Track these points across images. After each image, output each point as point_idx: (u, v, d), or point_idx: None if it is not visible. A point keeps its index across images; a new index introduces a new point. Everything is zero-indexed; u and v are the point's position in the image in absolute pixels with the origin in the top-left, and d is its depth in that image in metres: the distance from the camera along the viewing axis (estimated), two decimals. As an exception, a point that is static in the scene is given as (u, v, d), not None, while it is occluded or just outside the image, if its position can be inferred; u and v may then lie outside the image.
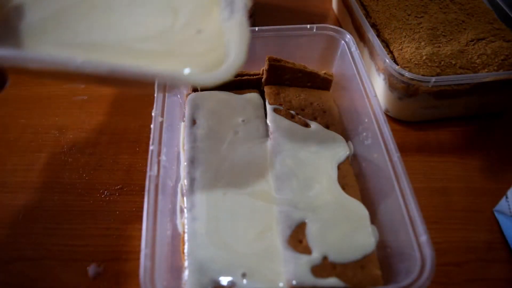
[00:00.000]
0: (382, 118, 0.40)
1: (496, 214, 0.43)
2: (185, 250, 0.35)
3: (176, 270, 0.35)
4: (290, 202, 0.38)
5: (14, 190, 0.47)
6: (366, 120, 0.42)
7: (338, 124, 0.46)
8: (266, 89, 0.48)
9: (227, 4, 0.34)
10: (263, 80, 0.48)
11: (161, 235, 0.34)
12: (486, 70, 0.48)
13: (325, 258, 0.34)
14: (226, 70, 0.31)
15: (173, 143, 0.44)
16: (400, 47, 0.50)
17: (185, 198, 0.39)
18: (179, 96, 0.49)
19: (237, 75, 0.48)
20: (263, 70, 0.48)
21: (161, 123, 0.40)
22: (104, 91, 0.57)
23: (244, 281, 0.33)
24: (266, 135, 0.44)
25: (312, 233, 0.36)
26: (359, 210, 0.38)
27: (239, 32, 0.32)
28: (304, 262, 0.34)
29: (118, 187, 0.46)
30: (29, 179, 0.47)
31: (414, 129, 0.52)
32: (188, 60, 0.33)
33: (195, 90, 0.49)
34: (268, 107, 0.46)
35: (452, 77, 0.47)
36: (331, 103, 0.48)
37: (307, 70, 0.48)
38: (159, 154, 0.38)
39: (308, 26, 0.49)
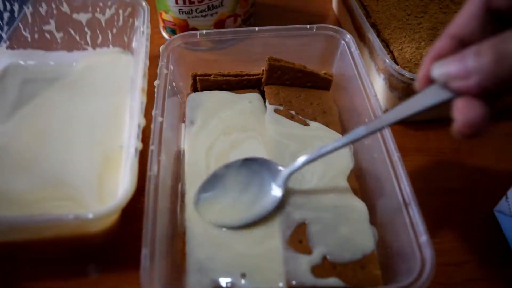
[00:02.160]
0: (382, 118, 0.40)
1: (496, 214, 0.43)
2: (185, 250, 0.35)
3: (176, 270, 0.35)
4: (291, 202, 0.38)
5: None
6: (366, 120, 0.42)
7: (337, 124, 0.46)
8: (266, 89, 0.48)
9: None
10: (263, 80, 0.48)
11: (161, 235, 0.34)
12: (486, 70, 0.48)
13: (325, 258, 0.34)
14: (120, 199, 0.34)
15: (173, 143, 0.44)
16: (400, 47, 0.50)
17: (185, 198, 0.39)
18: (179, 96, 0.49)
19: (237, 75, 0.48)
20: (263, 70, 0.48)
21: (161, 123, 0.40)
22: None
23: (244, 281, 0.33)
24: (267, 135, 0.44)
25: (312, 233, 0.36)
26: (359, 210, 0.38)
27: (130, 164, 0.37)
28: (304, 262, 0.34)
29: (118, 187, 0.46)
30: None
31: (414, 129, 0.52)
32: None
33: (195, 90, 0.49)
34: (268, 107, 0.46)
35: (452, 77, 0.46)
36: (331, 103, 0.48)
37: (307, 70, 0.48)
38: (159, 154, 0.38)
39: (308, 26, 0.49)
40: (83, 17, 0.54)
